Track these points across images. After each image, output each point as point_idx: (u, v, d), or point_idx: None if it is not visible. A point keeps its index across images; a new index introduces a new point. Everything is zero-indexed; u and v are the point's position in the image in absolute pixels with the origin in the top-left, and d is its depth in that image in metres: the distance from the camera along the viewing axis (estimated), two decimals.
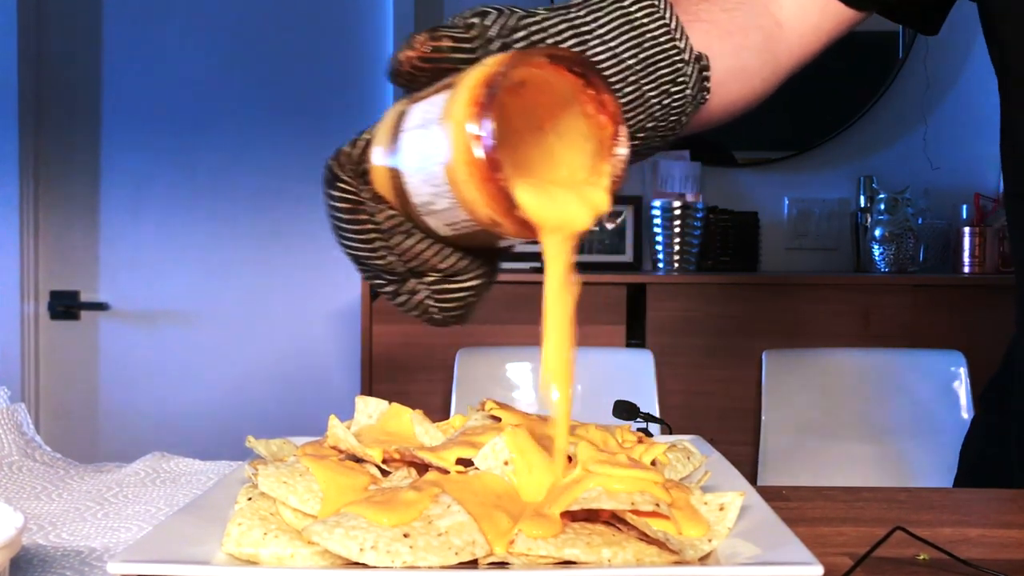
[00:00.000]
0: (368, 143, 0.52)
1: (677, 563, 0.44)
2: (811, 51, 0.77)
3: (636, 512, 0.46)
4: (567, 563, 0.45)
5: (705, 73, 0.62)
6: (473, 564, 0.44)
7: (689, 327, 2.23)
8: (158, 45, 2.66)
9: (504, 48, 0.53)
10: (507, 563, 0.45)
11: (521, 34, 0.54)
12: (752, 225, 2.51)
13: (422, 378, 2.22)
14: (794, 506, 0.65)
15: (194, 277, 2.67)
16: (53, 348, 2.69)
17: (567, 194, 0.49)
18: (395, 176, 0.49)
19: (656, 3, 0.59)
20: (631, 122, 0.58)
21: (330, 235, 0.54)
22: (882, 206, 2.38)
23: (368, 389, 2.20)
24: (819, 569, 0.42)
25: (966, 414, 2.15)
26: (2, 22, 2.57)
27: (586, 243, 2.55)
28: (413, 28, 2.58)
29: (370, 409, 0.62)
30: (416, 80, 0.52)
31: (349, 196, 0.52)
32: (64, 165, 2.67)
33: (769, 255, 2.60)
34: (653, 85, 0.58)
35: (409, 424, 0.59)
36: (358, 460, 0.54)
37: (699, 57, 0.61)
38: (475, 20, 0.53)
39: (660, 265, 2.40)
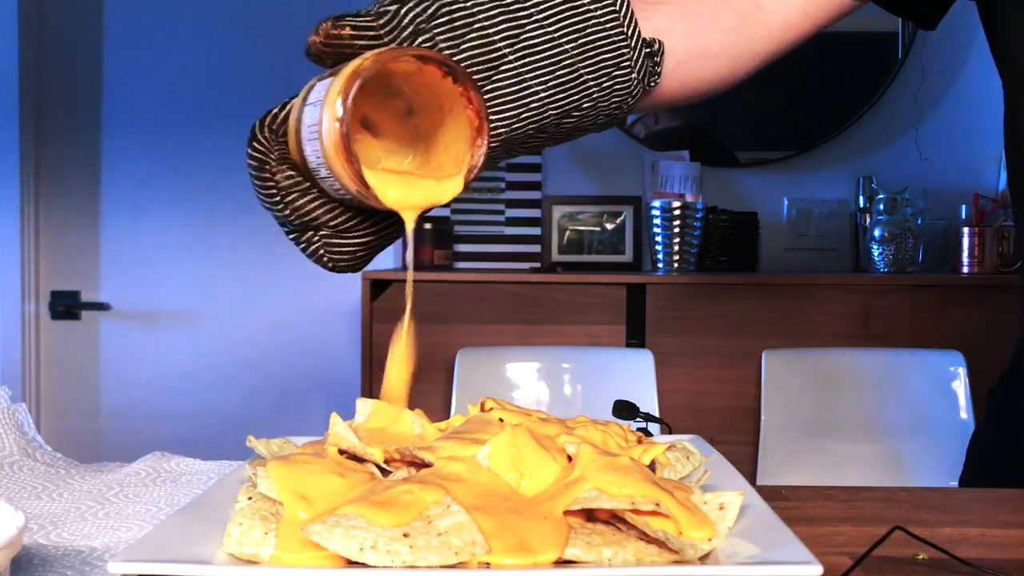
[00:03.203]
0: (289, 108, 0.58)
1: (677, 562, 0.45)
2: (796, 35, 0.75)
3: (636, 511, 0.46)
4: (567, 562, 0.45)
5: (656, 59, 0.64)
6: None
7: (689, 327, 2.23)
8: (158, 46, 2.66)
9: (416, 35, 0.57)
10: None
11: (442, 20, 0.58)
12: (752, 225, 2.51)
13: (422, 378, 2.19)
14: (793, 506, 0.65)
15: (195, 277, 2.67)
16: (54, 348, 2.69)
17: (418, 179, 0.57)
18: (298, 142, 0.56)
19: None
20: (565, 102, 0.62)
21: None
22: (881, 206, 2.38)
23: (368, 389, 2.20)
24: (818, 569, 0.42)
25: (965, 414, 2.15)
26: (3, 23, 2.57)
27: (586, 243, 2.56)
28: None
29: (370, 412, 0.62)
30: (323, 60, 0.57)
31: (258, 155, 0.58)
32: (65, 165, 2.67)
33: (769, 255, 2.60)
34: (592, 68, 0.62)
35: (410, 425, 0.60)
36: (359, 460, 0.54)
37: (650, 43, 0.64)
38: (391, 8, 0.57)
39: (660, 265, 2.40)
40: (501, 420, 0.57)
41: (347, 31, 0.56)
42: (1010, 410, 0.88)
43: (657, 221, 2.39)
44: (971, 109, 2.56)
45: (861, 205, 2.55)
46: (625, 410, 1.45)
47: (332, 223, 0.60)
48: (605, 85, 0.63)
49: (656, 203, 2.39)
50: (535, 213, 2.54)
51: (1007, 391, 0.90)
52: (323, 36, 0.56)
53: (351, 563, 0.43)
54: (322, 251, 0.61)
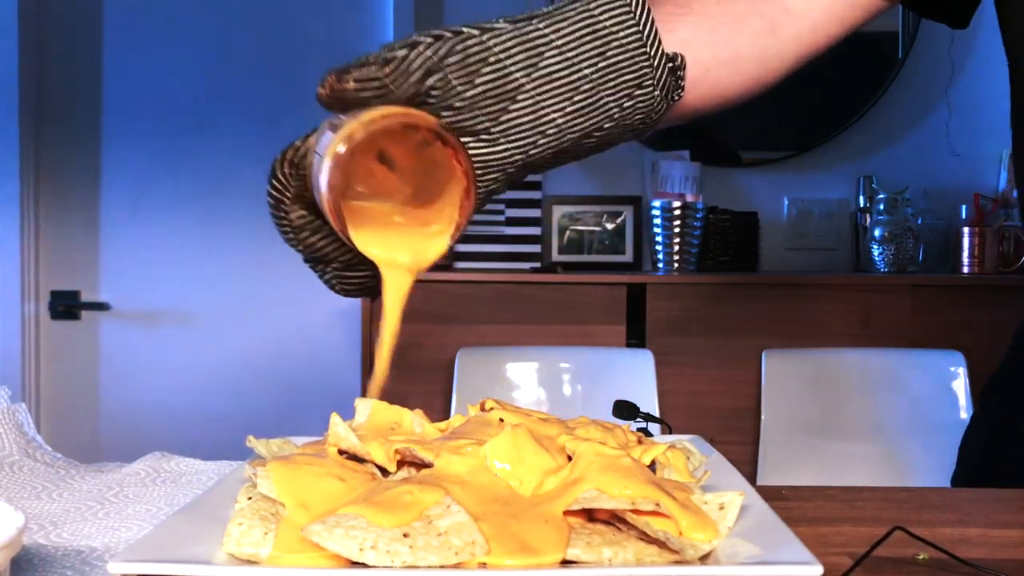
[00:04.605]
0: (309, 144, 0.59)
1: (677, 563, 0.45)
2: (825, 38, 0.75)
3: (636, 511, 0.46)
4: (567, 563, 0.45)
5: (679, 73, 0.64)
6: None
7: (689, 327, 2.23)
8: (158, 45, 2.66)
9: (427, 75, 0.57)
10: None
11: (455, 59, 0.58)
12: (752, 225, 2.51)
13: (422, 378, 2.22)
14: (794, 506, 0.65)
15: (195, 277, 2.67)
16: (54, 348, 2.69)
17: (403, 238, 0.59)
18: (313, 183, 0.57)
19: (630, 8, 0.61)
20: (585, 125, 0.62)
21: None
22: (881, 206, 2.38)
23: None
24: (819, 569, 0.42)
25: (965, 414, 2.15)
26: (2, 22, 2.57)
27: (586, 243, 2.55)
28: (413, 28, 2.58)
29: (370, 411, 0.62)
30: (333, 108, 0.58)
31: (276, 193, 0.60)
32: (65, 165, 2.67)
33: (769, 255, 2.60)
34: (612, 90, 0.61)
35: (410, 426, 0.60)
36: (359, 460, 0.54)
37: (672, 57, 0.63)
38: (400, 53, 0.57)
39: (660, 265, 2.40)
40: (501, 420, 0.57)
41: (351, 85, 0.56)
42: (1001, 410, 0.89)
43: (657, 221, 2.39)
44: (972, 108, 2.56)
45: (861, 205, 2.54)
46: (625, 410, 1.45)
47: (341, 259, 0.63)
48: (627, 105, 0.62)
49: (656, 203, 2.39)
50: (535, 213, 2.54)
51: (998, 391, 0.90)
52: (328, 90, 0.57)
53: (351, 563, 0.43)
54: (334, 281, 0.64)
